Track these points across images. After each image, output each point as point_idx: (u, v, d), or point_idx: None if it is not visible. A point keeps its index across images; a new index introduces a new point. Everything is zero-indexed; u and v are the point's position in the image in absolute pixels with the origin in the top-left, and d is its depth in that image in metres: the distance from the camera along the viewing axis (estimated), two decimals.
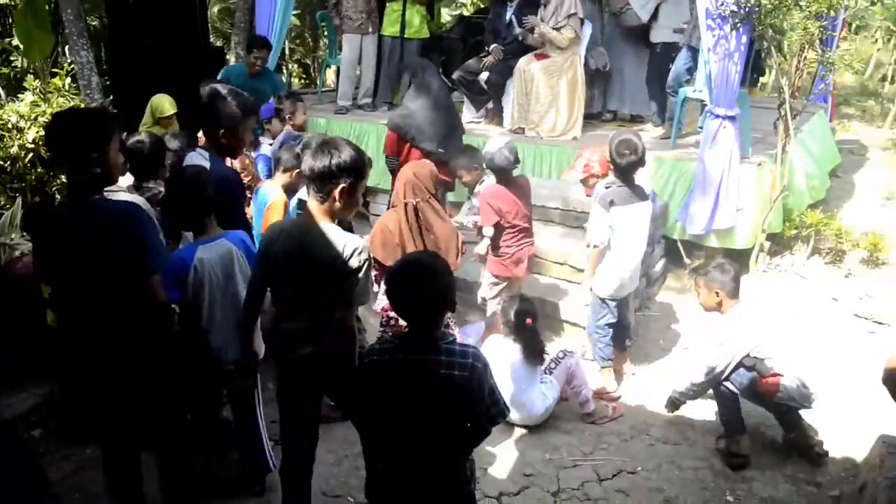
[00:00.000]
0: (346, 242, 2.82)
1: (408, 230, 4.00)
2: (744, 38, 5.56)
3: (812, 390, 4.07)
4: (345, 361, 2.96)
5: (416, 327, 2.56)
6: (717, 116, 5.81)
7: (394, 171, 5.39)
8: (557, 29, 6.92)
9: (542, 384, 4.44)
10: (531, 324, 4.34)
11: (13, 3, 10.63)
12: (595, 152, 4.92)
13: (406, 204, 4.02)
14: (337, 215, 2.89)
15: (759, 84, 6.17)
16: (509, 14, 7.48)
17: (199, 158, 3.54)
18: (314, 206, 2.86)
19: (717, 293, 4.13)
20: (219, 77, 6.94)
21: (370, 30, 8.00)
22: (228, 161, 3.83)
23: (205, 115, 3.59)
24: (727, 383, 4.11)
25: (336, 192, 2.82)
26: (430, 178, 4.18)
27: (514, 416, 4.33)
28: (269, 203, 4.21)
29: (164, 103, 6.07)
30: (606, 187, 4.58)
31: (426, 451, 2.59)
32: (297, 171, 4.28)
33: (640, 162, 4.50)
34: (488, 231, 4.76)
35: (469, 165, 4.99)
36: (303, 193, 4.21)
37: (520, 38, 7.33)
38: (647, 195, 4.65)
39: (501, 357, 4.27)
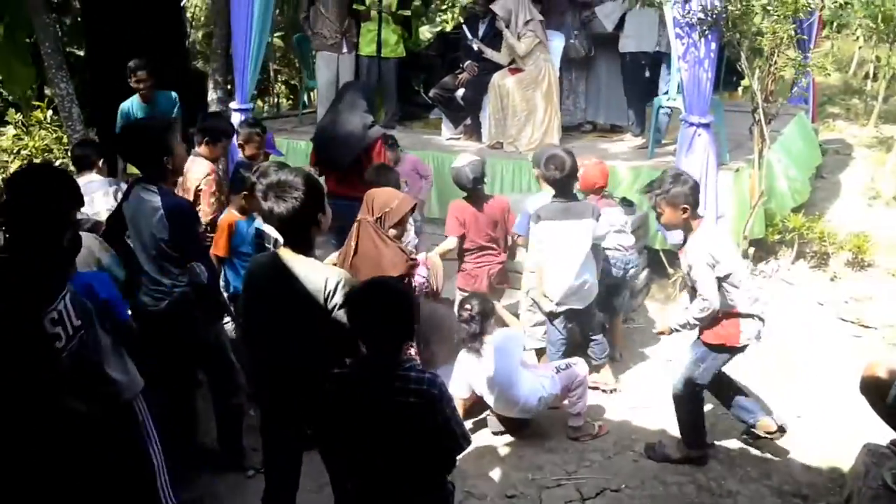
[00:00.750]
0: (327, 277, 2.79)
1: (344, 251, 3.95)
2: (713, 45, 5.54)
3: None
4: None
5: (374, 350, 2.55)
6: (692, 124, 5.78)
7: None
8: (519, 38, 6.97)
9: (543, 377, 4.40)
10: (470, 311, 4.35)
11: None
12: (587, 165, 5.00)
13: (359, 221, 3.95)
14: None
15: (740, 88, 6.11)
16: (482, 29, 7.47)
17: (147, 194, 3.54)
18: (288, 250, 2.86)
19: (682, 209, 3.71)
20: (120, 114, 6.83)
21: (345, 49, 8.00)
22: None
23: (143, 150, 3.63)
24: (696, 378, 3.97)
25: (311, 234, 2.86)
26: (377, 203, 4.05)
27: (508, 411, 4.37)
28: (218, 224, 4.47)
29: None
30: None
31: (392, 475, 2.56)
32: (246, 193, 4.32)
33: (570, 177, 4.55)
34: (451, 242, 4.85)
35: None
36: (260, 223, 4.20)
37: (480, 53, 7.39)
38: (590, 212, 4.60)
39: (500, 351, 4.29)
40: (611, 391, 4.96)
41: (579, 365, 4.49)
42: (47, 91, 10.47)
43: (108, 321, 2.81)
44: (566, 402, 4.49)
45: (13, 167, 7.41)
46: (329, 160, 5.42)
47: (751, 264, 6.17)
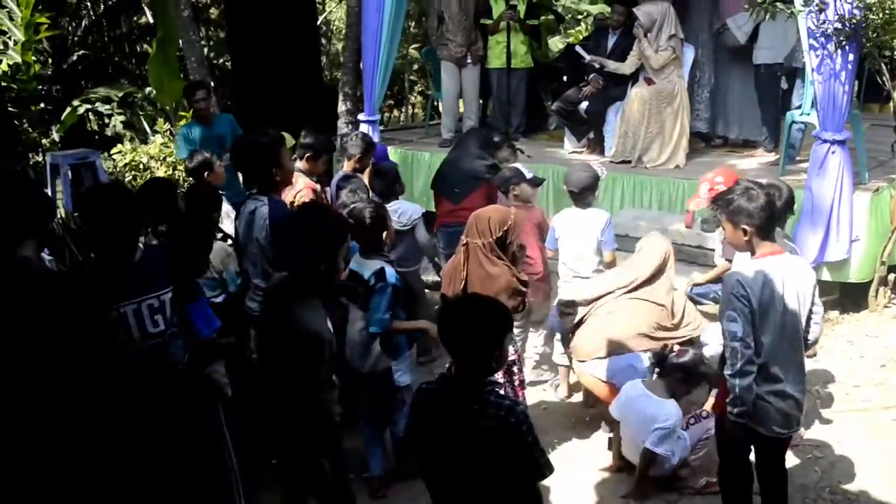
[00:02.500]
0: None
1: (452, 270, 3.97)
2: (851, 57, 5.18)
3: None
4: None
5: (460, 368, 2.53)
6: (825, 141, 5.43)
7: None
8: (657, 51, 6.78)
9: (678, 439, 4.01)
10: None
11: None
12: (718, 173, 4.88)
13: (466, 244, 3.97)
14: None
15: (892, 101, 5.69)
16: (611, 42, 7.34)
17: (257, 204, 3.73)
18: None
19: (743, 230, 3.14)
20: (180, 139, 6.72)
21: (469, 61, 8.06)
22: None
23: (253, 162, 3.89)
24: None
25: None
26: (496, 223, 4.06)
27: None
28: None
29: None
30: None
31: (471, 500, 2.54)
32: None
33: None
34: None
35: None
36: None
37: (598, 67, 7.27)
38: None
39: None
40: None
41: (707, 419, 4.07)
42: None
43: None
44: (691, 456, 4.10)
45: (159, 173, 8.00)
46: (446, 191, 5.66)
47: (888, 292, 5.72)
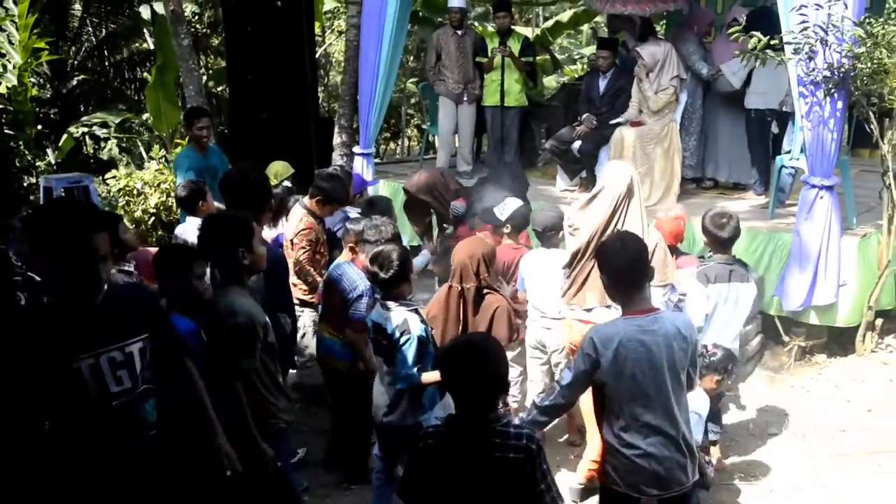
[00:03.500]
0: None
1: (445, 314, 3.97)
2: (840, 104, 5.27)
3: None
4: None
5: (469, 408, 2.54)
6: (814, 186, 5.49)
7: None
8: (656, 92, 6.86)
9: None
10: None
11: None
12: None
13: (450, 287, 4.00)
14: None
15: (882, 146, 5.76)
16: (603, 84, 7.43)
17: None
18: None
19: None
20: (175, 166, 6.53)
21: (465, 98, 8.15)
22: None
23: (251, 200, 3.84)
24: None
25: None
26: (484, 262, 4.08)
27: None
28: None
29: (279, 168, 6.36)
30: None
31: None
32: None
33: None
34: None
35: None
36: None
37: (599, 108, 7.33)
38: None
39: None
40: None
41: None
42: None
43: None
44: None
45: (153, 199, 8.01)
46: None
47: (875, 337, 5.75)
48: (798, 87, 5.36)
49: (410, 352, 3.48)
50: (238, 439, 2.87)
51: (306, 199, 4.98)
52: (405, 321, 3.50)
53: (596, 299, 4.07)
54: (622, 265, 2.96)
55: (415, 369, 3.49)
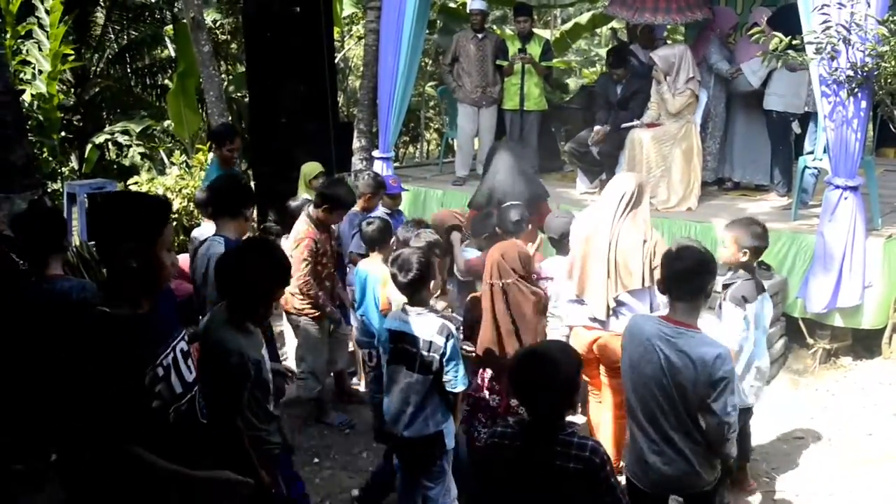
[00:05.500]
0: None
1: (493, 313, 3.94)
2: (863, 104, 5.20)
3: None
4: None
5: (537, 415, 2.56)
6: (837, 187, 5.43)
7: None
8: (674, 95, 6.81)
9: None
10: None
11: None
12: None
13: (492, 285, 3.97)
14: None
15: None
16: (619, 88, 7.40)
17: (216, 246, 3.74)
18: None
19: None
20: (205, 181, 6.53)
21: (484, 103, 8.15)
22: None
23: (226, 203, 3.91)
24: None
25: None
26: (519, 259, 4.09)
27: None
28: (381, 279, 4.48)
29: (313, 168, 6.48)
30: None
31: None
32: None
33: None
34: None
35: None
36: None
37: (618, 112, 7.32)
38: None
39: None
40: None
41: None
42: None
43: None
44: None
45: (175, 204, 8.07)
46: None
47: None
48: (820, 86, 5.30)
49: (459, 354, 3.51)
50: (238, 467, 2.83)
51: (311, 209, 4.87)
52: (443, 325, 3.49)
53: (599, 307, 4.09)
54: (669, 274, 3.01)
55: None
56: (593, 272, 4.08)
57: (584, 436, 2.57)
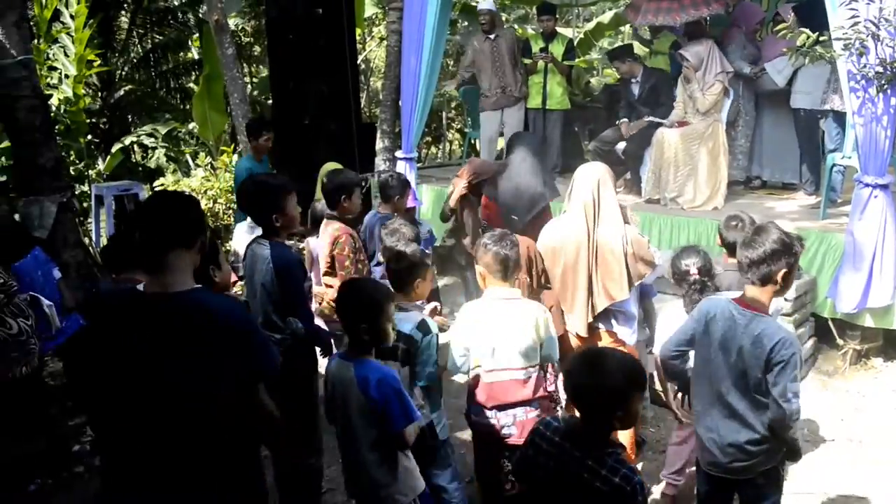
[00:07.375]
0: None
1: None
2: (893, 101, 5.12)
3: None
4: None
5: (586, 420, 2.51)
6: (867, 185, 5.34)
7: None
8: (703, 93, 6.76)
9: None
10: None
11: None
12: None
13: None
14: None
15: None
16: (636, 88, 7.36)
17: (260, 248, 3.75)
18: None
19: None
20: (236, 174, 7.08)
21: (506, 103, 8.12)
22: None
23: (257, 205, 3.83)
24: None
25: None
26: (534, 255, 4.09)
27: None
28: None
29: (329, 170, 6.46)
30: None
31: None
32: None
33: None
34: None
35: None
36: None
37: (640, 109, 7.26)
38: None
39: None
40: None
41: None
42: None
43: None
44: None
45: (201, 205, 8.14)
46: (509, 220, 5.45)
47: None
48: (849, 82, 5.22)
49: (434, 350, 3.52)
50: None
51: (327, 210, 4.86)
52: (424, 321, 3.52)
53: (583, 317, 4.11)
54: (742, 258, 3.06)
55: (435, 367, 3.53)
56: (577, 287, 4.12)
57: (620, 460, 2.43)
